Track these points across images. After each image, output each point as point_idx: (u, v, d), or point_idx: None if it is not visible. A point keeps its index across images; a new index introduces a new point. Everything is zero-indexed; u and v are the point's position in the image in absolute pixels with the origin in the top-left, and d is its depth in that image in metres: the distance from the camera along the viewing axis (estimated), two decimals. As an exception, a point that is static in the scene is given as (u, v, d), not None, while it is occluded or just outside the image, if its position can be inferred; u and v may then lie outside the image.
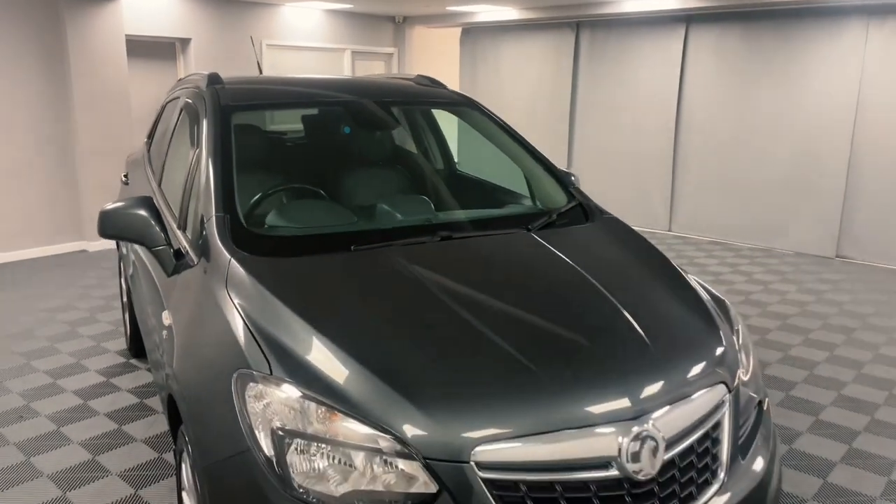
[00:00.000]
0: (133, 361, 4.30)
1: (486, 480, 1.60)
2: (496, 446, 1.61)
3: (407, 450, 1.62)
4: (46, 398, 3.80)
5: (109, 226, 2.43)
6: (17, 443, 3.34)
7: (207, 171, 2.47)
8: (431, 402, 1.66)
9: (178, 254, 2.46)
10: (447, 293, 2.03)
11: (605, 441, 1.66)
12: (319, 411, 1.68)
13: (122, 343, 4.57)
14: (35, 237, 6.68)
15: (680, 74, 7.68)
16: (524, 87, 9.04)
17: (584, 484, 1.64)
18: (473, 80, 9.53)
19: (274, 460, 1.66)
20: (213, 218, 2.30)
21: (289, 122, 3.81)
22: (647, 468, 1.67)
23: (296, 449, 1.66)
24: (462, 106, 3.28)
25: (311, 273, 2.13)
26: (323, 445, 1.65)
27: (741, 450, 1.95)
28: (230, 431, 1.74)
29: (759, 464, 1.95)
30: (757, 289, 5.90)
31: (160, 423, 3.53)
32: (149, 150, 3.92)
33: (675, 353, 1.92)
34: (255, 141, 3.30)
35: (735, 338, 2.14)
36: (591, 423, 1.67)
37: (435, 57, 10.24)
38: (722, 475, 1.84)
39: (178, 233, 2.58)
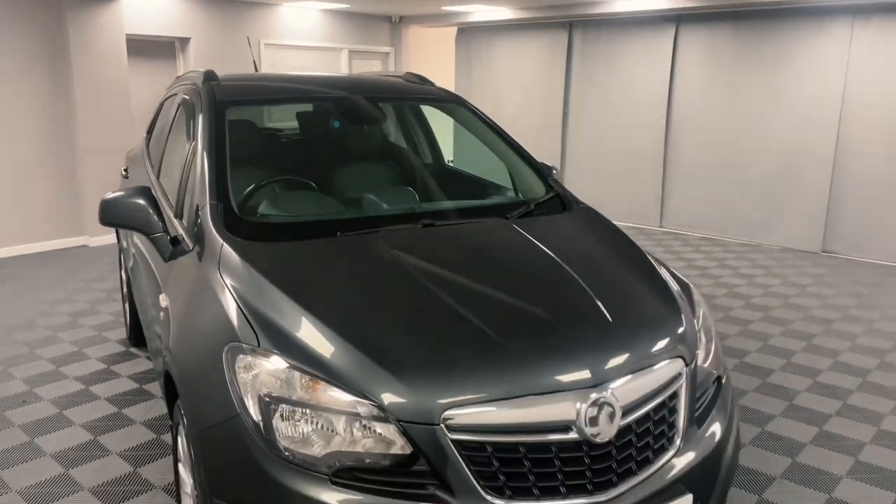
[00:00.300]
0: (133, 350, 4.44)
1: (455, 442, 1.74)
2: (464, 410, 1.75)
3: (384, 415, 1.76)
4: (49, 384, 3.94)
5: (110, 214, 2.57)
6: (21, 425, 3.48)
7: (202, 163, 2.61)
8: (406, 371, 1.80)
9: (175, 241, 2.60)
10: (425, 274, 2.18)
11: (565, 406, 1.80)
12: (304, 380, 1.82)
13: (122, 333, 4.72)
14: (37, 233, 6.83)
15: (670, 73, 7.82)
16: (518, 86, 9.18)
17: (546, 445, 1.78)
18: (468, 79, 9.68)
19: (261, 425, 1.80)
20: (208, 206, 2.44)
21: (286, 121, 3.95)
22: (604, 432, 1.81)
23: (281, 414, 1.80)
24: (449, 102, 3.43)
25: (298, 256, 2.27)
26: (307, 411, 1.79)
27: (698, 420, 2.09)
28: (221, 399, 1.88)
29: (714, 433, 2.09)
30: (742, 282, 6.05)
31: (159, 407, 3.67)
32: (148, 145, 4.06)
33: (634, 328, 2.06)
34: (251, 136, 3.45)
35: (695, 319, 2.28)
36: (552, 389, 1.81)
37: (431, 56, 10.38)
38: (678, 441, 1.98)
39: (175, 221, 2.72)
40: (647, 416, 1.93)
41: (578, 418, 1.79)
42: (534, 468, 1.77)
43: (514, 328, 1.96)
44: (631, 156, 8.30)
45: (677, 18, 7.68)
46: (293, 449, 1.77)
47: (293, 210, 2.72)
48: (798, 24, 6.90)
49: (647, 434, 1.92)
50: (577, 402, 1.80)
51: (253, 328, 1.94)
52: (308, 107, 3.65)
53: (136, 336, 4.38)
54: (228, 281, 2.13)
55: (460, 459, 1.74)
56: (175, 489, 2.55)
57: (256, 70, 4.40)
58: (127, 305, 4.49)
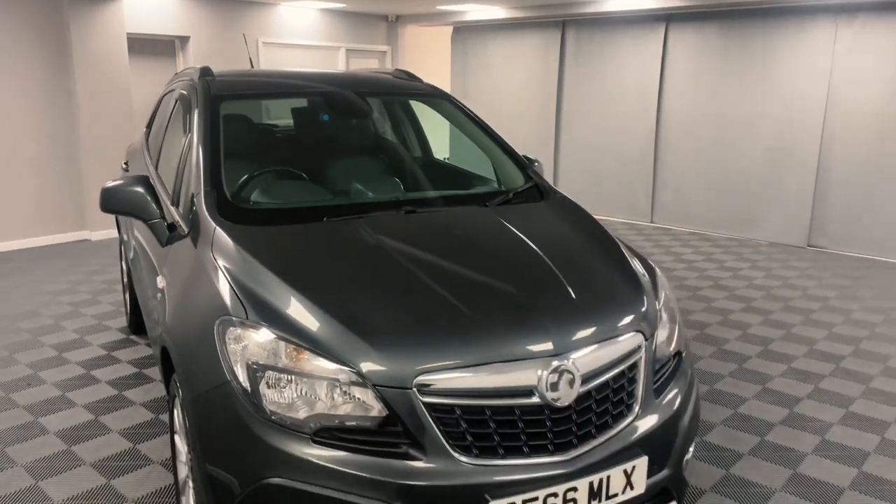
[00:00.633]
0: (133, 337, 4.60)
1: (426, 404, 1.89)
2: (435, 376, 1.91)
3: (362, 381, 1.91)
4: (52, 368, 4.11)
5: (110, 201, 2.73)
6: (26, 405, 3.65)
7: (198, 153, 2.77)
8: (382, 341, 1.96)
9: (171, 227, 2.76)
10: (404, 255, 2.34)
11: (527, 373, 1.95)
12: (289, 350, 1.97)
13: (122, 321, 4.88)
14: (40, 227, 6.99)
15: (660, 72, 7.97)
16: (513, 84, 9.34)
17: (510, 408, 1.94)
18: (464, 77, 9.83)
19: (249, 390, 1.96)
20: (202, 193, 2.60)
21: (285, 118, 4.10)
22: (564, 397, 1.97)
23: (268, 381, 1.96)
24: (435, 97, 3.59)
25: (286, 239, 2.43)
26: (291, 378, 1.95)
27: (657, 391, 2.24)
28: (213, 368, 2.03)
29: (673, 402, 2.24)
30: (726, 275, 6.20)
31: (157, 390, 3.83)
32: (147, 139, 4.22)
33: (596, 304, 2.22)
34: (246, 130, 3.60)
35: (657, 299, 2.43)
36: (516, 358, 1.97)
37: (427, 55, 10.54)
38: (636, 409, 2.14)
39: (172, 208, 2.88)
40: (606, 384, 2.08)
41: (540, 384, 1.95)
42: (499, 429, 1.93)
43: (483, 303, 2.12)
44: (622, 152, 8.45)
45: (667, 18, 7.83)
46: (278, 412, 1.93)
47: (283, 198, 2.88)
48: (784, 24, 7.05)
49: (606, 401, 2.08)
50: (539, 369, 1.96)
51: (242, 303, 2.10)
52: (301, 103, 3.81)
53: (136, 324, 4.54)
54: (220, 261, 2.29)
55: (431, 421, 1.89)
56: (172, 462, 2.70)
57: (252, 67, 4.55)
58: (127, 295, 4.65)
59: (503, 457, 1.92)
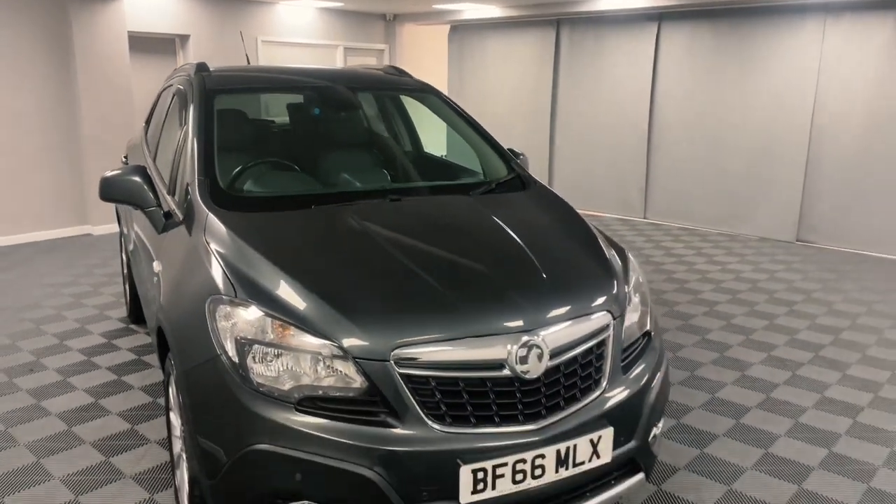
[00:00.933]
0: (133, 326, 4.74)
1: (403, 375, 2.02)
2: (411, 349, 2.03)
3: (343, 354, 2.04)
4: (54, 355, 4.24)
5: (109, 190, 2.86)
6: (28, 389, 3.78)
7: (192, 144, 2.90)
8: (362, 317, 2.09)
9: (167, 215, 2.89)
10: (386, 239, 2.47)
11: (498, 348, 2.08)
12: (275, 325, 2.10)
13: (122, 311, 5.02)
14: (43, 221, 7.13)
15: (653, 70, 8.09)
16: (508, 82, 9.46)
17: (482, 380, 2.07)
18: (461, 75, 9.96)
19: (237, 363, 2.08)
20: (196, 181, 2.73)
21: (282, 114, 4.23)
22: (532, 370, 2.09)
23: (255, 355, 2.08)
24: (423, 92, 3.72)
25: (275, 224, 2.56)
26: (277, 351, 2.07)
27: (625, 367, 2.36)
28: (204, 344, 2.16)
29: (640, 379, 2.36)
30: (714, 269, 6.32)
31: (156, 375, 3.96)
32: (146, 133, 4.35)
33: (566, 285, 2.34)
34: (241, 125, 3.73)
35: (627, 281, 2.55)
36: (488, 333, 2.09)
37: (425, 53, 10.67)
38: (604, 383, 2.26)
39: (168, 197, 3.01)
40: (574, 359, 2.21)
41: (509, 358, 2.08)
42: (471, 399, 2.06)
43: (458, 282, 2.25)
44: (616, 149, 8.57)
45: (659, 16, 7.95)
46: (265, 384, 2.05)
47: (274, 187, 3.01)
48: (773, 22, 7.17)
49: (574, 375, 2.20)
50: (510, 344, 2.09)
51: (232, 283, 2.23)
52: (294, 98, 3.94)
53: (136, 314, 4.67)
54: (212, 245, 2.42)
55: (407, 391, 2.02)
56: (168, 439, 2.83)
57: (248, 63, 4.68)
58: (127, 286, 4.78)
59: (475, 425, 2.05)
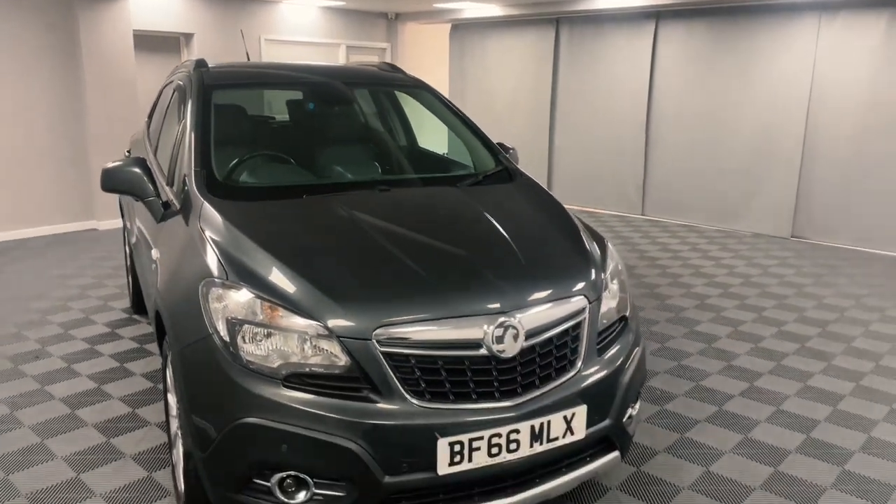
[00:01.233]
0: (135, 317, 4.87)
1: (384, 354, 2.13)
2: (392, 329, 2.14)
3: (328, 333, 2.15)
4: (59, 343, 4.37)
5: (109, 181, 2.98)
6: (34, 376, 3.91)
7: (190, 136, 3.02)
8: (346, 299, 2.20)
9: (166, 205, 3.00)
10: (372, 227, 2.58)
11: (475, 328, 2.19)
12: (264, 307, 2.22)
13: (126, 302, 5.15)
14: (50, 216, 7.28)
15: (650, 68, 8.18)
16: (509, 80, 9.56)
17: (460, 359, 2.17)
18: (462, 74, 10.06)
19: (228, 342, 2.20)
20: (192, 172, 2.85)
21: (284, 111, 4.34)
22: (508, 349, 2.20)
23: (245, 334, 2.20)
24: (416, 88, 3.83)
25: (267, 212, 2.68)
26: (266, 331, 2.19)
27: (601, 349, 2.47)
28: (197, 324, 2.28)
29: (614, 360, 2.47)
30: (708, 264, 6.41)
31: (157, 362, 4.08)
32: (148, 128, 4.48)
33: (543, 270, 2.45)
34: (240, 120, 3.84)
35: (604, 268, 2.65)
36: (466, 314, 2.20)
37: (426, 52, 10.78)
38: (579, 364, 2.37)
39: (167, 188, 3.13)
40: (550, 340, 2.31)
41: (486, 338, 2.18)
42: (449, 377, 2.16)
43: (439, 266, 2.36)
44: (614, 147, 8.66)
45: (657, 15, 8.03)
46: (254, 361, 2.17)
47: (268, 178, 3.13)
48: (769, 21, 7.25)
49: (549, 355, 2.31)
50: (486, 324, 2.19)
51: (224, 267, 2.34)
52: (290, 93, 4.05)
53: (138, 304, 4.79)
54: (207, 232, 2.53)
55: (388, 368, 2.13)
56: (165, 419, 2.95)
57: (248, 60, 4.80)
58: (130, 277, 4.92)
59: (453, 401, 2.16)
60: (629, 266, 6.30)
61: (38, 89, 7.02)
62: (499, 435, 2.16)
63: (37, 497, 2.79)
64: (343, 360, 2.15)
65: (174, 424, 2.71)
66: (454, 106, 3.75)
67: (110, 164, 3.00)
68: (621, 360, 2.49)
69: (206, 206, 2.66)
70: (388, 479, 2.09)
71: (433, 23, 10.07)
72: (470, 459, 2.14)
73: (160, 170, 3.45)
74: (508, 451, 2.19)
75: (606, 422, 2.42)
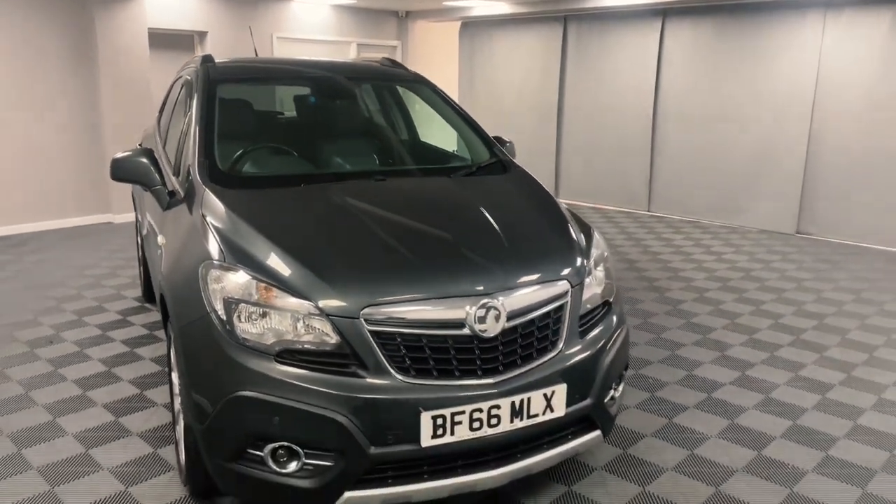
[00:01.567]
0: (147, 305, 5.02)
1: (371, 332, 2.25)
2: (379, 309, 2.26)
3: (319, 312, 2.27)
4: (73, 329, 4.54)
5: (118, 170, 3.12)
6: (48, 359, 4.07)
7: (195, 128, 3.15)
8: (336, 280, 2.32)
9: (172, 194, 3.14)
10: (364, 213, 2.70)
11: (459, 309, 2.30)
12: (260, 287, 2.34)
13: (137, 291, 5.31)
14: (67, 209, 7.49)
15: (657, 65, 8.24)
16: (517, 77, 9.65)
17: (444, 337, 2.29)
18: (471, 71, 10.16)
19: (225, 320, 2.32)
20: (196, 162, 2.98)
21: (291, 107, 4.47)
22: (490, 329, 2.31)
23: (240, 313, 2.32)
24: (416, 83, 3.95)
25: (265, 199, 2.80)
26: (261, 310, 2.31)
27: (583, 332, 2.57)
28: (197, 303, 2.41)
29: (596, 342, 2.57)
30: (710, 258, 6.47)
31: (165, 348, 4.23)
32: (159, 121, 4.63)
33: (527, 255, 2.56)
34: (244, 113, 3.97)
35: (588, 255, 2.75)
36: (450, 295, 2.31)
37: (437, 49, 10.88)
38: (560, 345, 2.47)
39: (172, 178, 3.27)
40: (531, 322, 2.42)
41: (468, 318, 2.29)
42: (433, 355, 2.28)
43: (425, 250, 2.48)
44: (621, 143, 8.73)
45: (664, 12, 8.09)
46: (249, 338, 2.29)
47: (269, 168, 3.26)
48: (774, 17, 7.29)
49: (531, 336, 2.41)
50: (468, 305, 2.31)
51: (223, 250, 2.47)
52: (294, 88, 4.18)
53: (149, 293, 4.95)
54: (208, 217, 2.66)
55: (375, 346, 2.25)
56: (170, 398, 3.09)
57: (256, 56, 4.94)
58: (141, 268, 5.07)
59: (436, 378, 2.27)
60: (631, 260, 6.38)
61: (57, 88, 7.21)
62: (480, 410, 2.27)
63: (47, 470, 2.94)
64: (334, 338, 2.27)
65: (177, 402, 2.85)
66: (452, 100, 3.86)
67: (119, 155, 3.14)
68: (602, 342, 2.59)
69: (208, 193, 2.79)
70: (373, 450, 2.21)
71: (443, 21, 10.18)
72: (452, 433, 2.25)
73: (168, 161, 3.59)
74: (490, 425, 2.29)
75: (587, 401, 2.52)
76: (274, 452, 2.26)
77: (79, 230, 7.37)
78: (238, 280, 2.36)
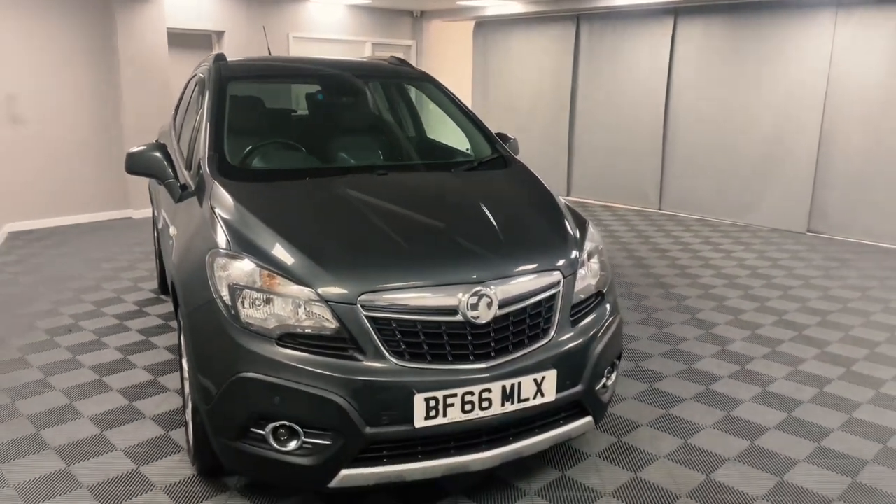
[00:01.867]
0: (162, 297, 5.18)
1: (368, 317, 2.35)
2: (375, 295, 2.36)
3: (318, 298, 2.38)
4: (91, 319, 4.70)
5: (133, 164, 3.26)
6: (67, 346, 4.23)
7: (206, 123, 3.28)
8: (335, 268, 2.43)
9: (183, 187, 3.27)
10: (365, 205, 2.81)
11: (452, 296, 2.40)
12: (263, 274, 2.45)
13: (154, 283, 5.47)
14: (87, 205, 7.69)
15: (669, 64, 8.27)
16: (530, 76, 9.72)
17: (437, 323, 2.38)
18: (485, 70, 10.25)
19: (230, 305, 2.44)
20: (206, 156, 3.10)
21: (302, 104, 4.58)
22: (482, 316, 2.40)
23: (244, 299, 2.44)
24: (423, 81, 4.06)
25: (271, 191, 2.92)
26: (264, 296, 2.42)
27: (575, 321, 2.66)
28: (204, 289, 2.52)
29: (587, 331, 2.65)
30: (718, 256, 6.51)
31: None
32: (174, 118, 4.78)
33: (519, 246, 2.66)
34: (255, 110, 4.10)
35: (582, 247, 2.83)
36: (443, 283, 2.41)
37: (451, 49, 10.97)
38: (552, 333, 2.56)
39: (184, 171, 3.40)
40: (523, 310, 2.51)
41: (461, 305, 2.39)
42: (427, 340, 2.38)
43: (422, 240, 2.59)
44: (632, 142, 8.77)
45: (675, 11, 8.12)
46: (253, 323, 2.41)
47: (277, 162, 3.38)
48: (786, 17, 7.30)
49: (522, 323, 2.51)
50: (461, 293, 2.40)
51: (229, 240, 2.59)
52: (309, 88, 4.30)
53: (165, 286, 5.10)
54: (216, 208, 2.78)
55: (372, 331, 2.35)
56: (180, 383, 3.22)
57: (269, 54, 5.07)
58: (158, 260, 5.23)
59: (430, 362, 2.37)
60: (639, 257, 6.43)
61: (77, 86, 7.41)
62: (471, 393, 2.36)
63: (64, 450, 3.08)
64: (333, 323, 2.37)
65: (187, 387, 2.97)
66: (457, 98, 3.95)
67: (134, 149, 3.28)
68: (594, 331, 2.68)
69: (217, 186, 2.91)
70: (369, 429, 2.31)
71: (457, 20, 10.27)
72: (444, 414, 2.35)
73: (181, 155, 3.73)
74: (481, 408, 2.39)
75: (578, 388, 2.61)
76: (275, 431, 2.37)
77: (99, 225, 7.57)
78: (243, 268, 2.48)
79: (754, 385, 3.80)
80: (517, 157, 3.72)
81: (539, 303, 2.56)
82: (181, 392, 3.55)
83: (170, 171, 3.25)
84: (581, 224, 3.00)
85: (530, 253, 2.64)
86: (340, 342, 2.37)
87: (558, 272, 2.64)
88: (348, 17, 9.79)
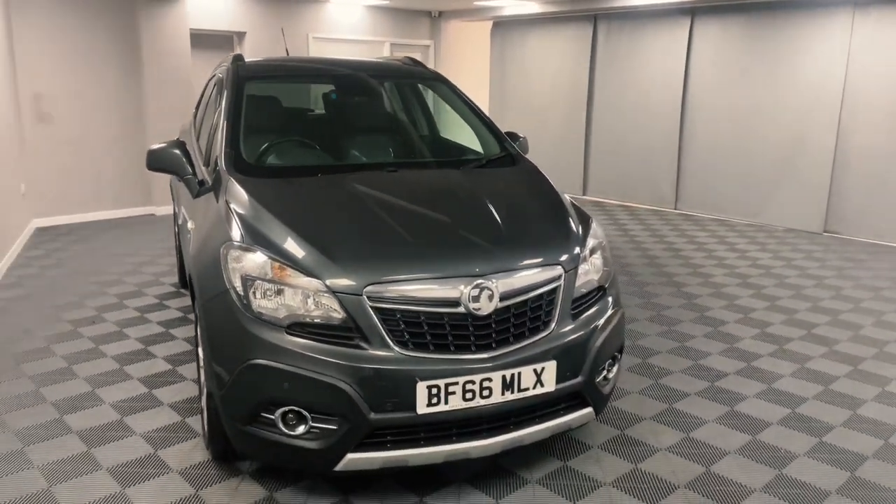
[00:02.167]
0: (182, 290, 5.32)
1: (373, 308, 2.45)
2: (380, 287, 2.46)
3: (326, 290, 2.48)
4: (114, 311, 4.85)
5: (154, 160, 3.38)
6: (90, 337, 4.38)
7: (223, 122, 3.40)
8: (343, 260, 2.53)
9: (201, 182, 3.39)
10: (374, 200, 2.91)
11: (454, 288, 2.48)
12: (274, 266, 2.56)
13: (174, 278, 5.62)
14: (111, 202, 7.89)
15: (685, 63, 8.28)
16: (547, 76, 9.77)
17: (440, 315, 2.47)
18: (503, 70, 10.32)
19: (243, 295, 2.55)
20: (223, 152, 3.22)
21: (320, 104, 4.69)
22: (483, 308, 2.49)
23: (257, 289, 2.54)
24: (435, 81, 4.15)
25: (284, 187, 3.03)
26: (275, 287, 2.53)
27: (576, 314, 2.73)
28: (218, 281, 2.64)
29: (587, 324, 2.72)
30: (732, 255, 6.52)
31: (197, 329, 4.51)
32: (195, 117, 4.92)
33: (522, 241, 2.74)
34: (271, 108, 4.22)
35: (584, 243, 2.89)
36: (446, 276, 2.50)
37: (469, 49, 11.06)
38: (553, 325, 2.64)
39: (202, 168, 3.52)
40: (524, 302, 2.59)
41: (462, 297, 2.48)
42: (430, 330, 2.47)
43: (427, 234, 2.68)
44: (649, 141, 8.79)
45: (692, 11, 8.13)
46: (264, 312, 2.51)
47: (290, 159, 3.49)
48: (803, 16, 7.28)
49: (523, 316, 2.59)
50: (463, 285, 2.49)
51: (243, 233, 2.70)
52: (326, 88, 4.41)
53: (185, 280, 5.23)
54: (231, 203, 2.90)
55: (377, 321, 2.45)
56: (197, 371, 3.34)
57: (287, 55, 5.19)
58: (178, 256, 5.37)
59: (432, 351, 2.46)
60: (652, 256, 6.46)
61: (103, 86, 7.61)
62: (472, 382, 2.45)
63: (85, 433, 3.22)
64: (340, 313, 2.47)
65: (203, 375, 3.09)
66: (468, 98, 4.04)
67: (155, 146, 3.41)
68: (594, 325, 2.75)
69: (233, 182, 3.03)
70: (373, 415, 2.41)
71: (475, 20, 10.35)
72: (446, 402, 2.44)
73: (200, 152, 3.85)
74: (482, 396, 2.47)
75: (578, 379, 2.68)
76: (284, 416, 2.48)
77: (122, 221, 7.76)
78: (255, 260, 2.58)
79: (760, 382, 3.83)
80: (527, 155, 3.80)
81: (540, 296, 2.64)
82: (197, 381, 3.68)
83: (188, 167, 3.37)
84: (584, 221, 3.07)
85: (532, 248, 2.72)
86: (347, 331, 2.46)
87: (560, 267, 2.71)
88: (367, 18, 9.91)
